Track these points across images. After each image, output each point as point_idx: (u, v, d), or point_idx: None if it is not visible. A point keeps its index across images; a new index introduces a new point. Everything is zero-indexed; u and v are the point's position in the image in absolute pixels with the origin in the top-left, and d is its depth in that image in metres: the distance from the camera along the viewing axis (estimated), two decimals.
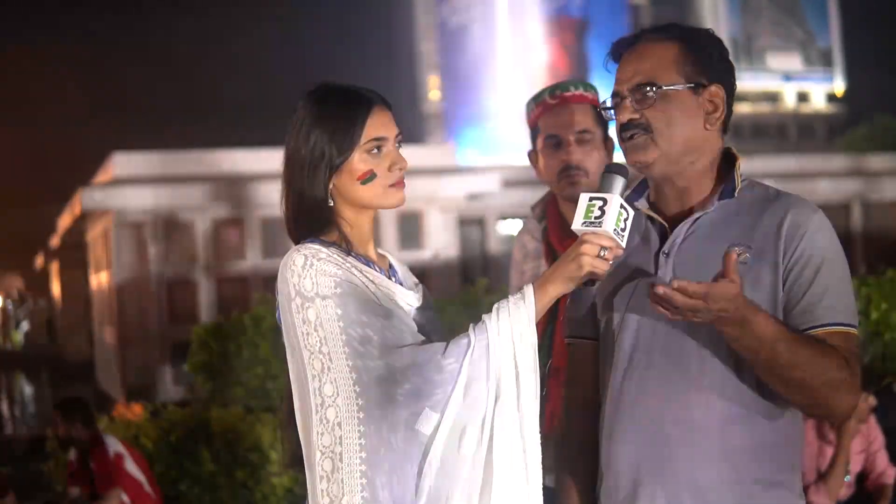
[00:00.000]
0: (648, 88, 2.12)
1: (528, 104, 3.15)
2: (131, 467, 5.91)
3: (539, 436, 2.10)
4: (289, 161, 2.22)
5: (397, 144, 2.23)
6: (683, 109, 2.13)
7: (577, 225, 2.07)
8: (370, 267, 2.21)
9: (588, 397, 2.29)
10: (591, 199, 2.07)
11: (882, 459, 5.25)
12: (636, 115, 2.14)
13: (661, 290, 1.88)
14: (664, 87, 2.12)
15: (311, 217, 2.21)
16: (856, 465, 5.17)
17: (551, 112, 3.04)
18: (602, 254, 2.05)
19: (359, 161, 2.19)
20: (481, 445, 2.08)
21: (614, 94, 2.19)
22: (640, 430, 2.12)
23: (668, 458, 2.09)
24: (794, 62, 76.53)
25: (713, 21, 71.55)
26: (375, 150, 2.19)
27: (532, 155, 3.17)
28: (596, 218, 2.06)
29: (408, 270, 2.37)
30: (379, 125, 2.20)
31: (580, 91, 3.04)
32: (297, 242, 2.21)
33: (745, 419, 2.08)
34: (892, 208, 24.23)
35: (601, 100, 2.88)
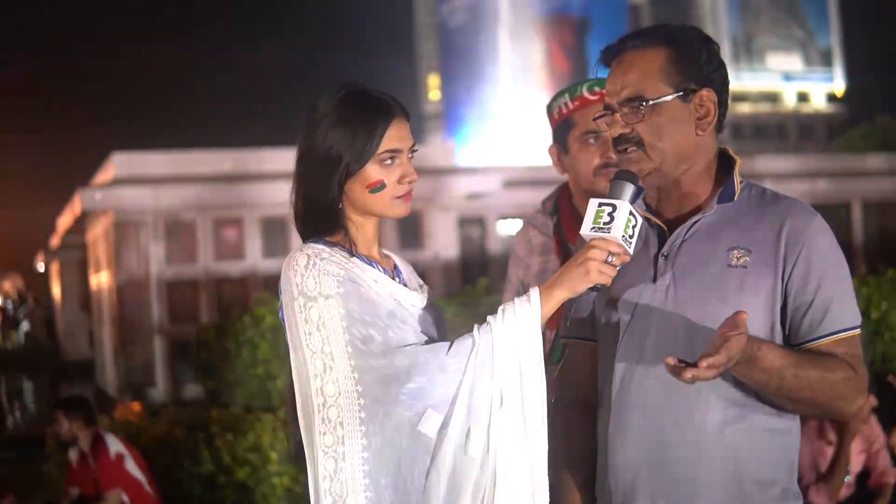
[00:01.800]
0: (637, 102, 2.11)
1: (560, 98, 3.12)
2: (132, 467, 5.90)
3: (546, 438, 2.10)
4: (303, 158, 2.22)
5: (410, 156, 2.23)
6: (674, 119, 2.12)
7: (585, 230, 2.07)
8: (374, 267, 2.21)
9: (586, 397, 2.29)
10: (600, 204, 2.07)
11: (884, 459, 5.25)
12: (627, 130, 2.13)
13: (689, 375, 1.87)
14: (652, 101, 2.11)
15: (320, 217, 2.21)
16: (856, 466, 5.16)
17: (591, 107, 2.99)
18: (610, 260, 2.05)
19: (371, 170, 2.18)
20: (486, 447, 2.07)
21: (605, 107, 2.18)
22: (640, 431, 2.12)
23: (668, 459, 2.10)
24: (794, 62, 76.52)
25: (713, 21, 71.52)
26: (389, 161, 2.19)
27: (555, 149, 3.14)
28: (605, 224, 2.05)
29: (413, 271, 2.37)
30: (396, 137, 2.19)
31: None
32: (304, 240, 2.22)
33: (744, 420, 2.09)
34: (892, 208, 24.23)
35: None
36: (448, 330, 2.32)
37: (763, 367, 1.97)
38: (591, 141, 3.01)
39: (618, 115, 2.14)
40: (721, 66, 2.18)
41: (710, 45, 2.17)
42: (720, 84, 2.17)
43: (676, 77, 2.12)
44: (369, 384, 2.08)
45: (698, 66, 2.13)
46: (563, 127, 3.10)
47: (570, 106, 3.07)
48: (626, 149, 2.14)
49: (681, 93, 2.12)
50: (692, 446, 2.08)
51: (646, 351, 2.14)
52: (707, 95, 2.14)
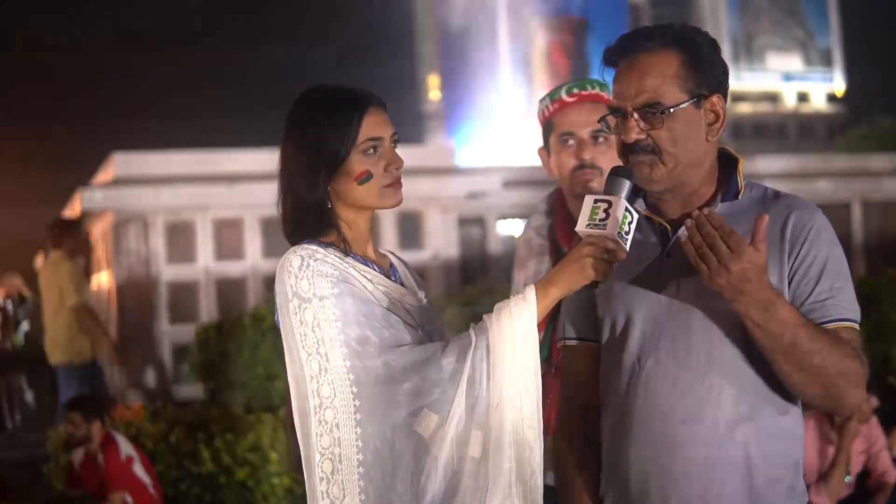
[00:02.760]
0: (655, 109, 2.10)
1: (543, 101, 3.15)
2: (139, 470, 5.88)
3: (542, 437, 2.10)
4: (285, 164, 2.22)
5: (393, 144, 2.23)
6: (688, 127, 2.12)
7: (581, 227, 2.07)
8: (369, 267, 2.20)
9: (588, 398, 2.29)
10: (596, 201, 2.07)
11: (885, 459, 5.25)
12: (642, 136, 2.12)
13: (696, 213, 1.95)
14: (672, 108, 2.10)
15: (309, 219, 2.20)
16: (856, 466, 5.17)
17: (567, 109, 3.05)
18: (606, 256, 2.05)
19: (355, 162, 2.18)
20: (483, 446, 2.07)
21: (616, 110, 2.16)
22: (649, 431, 2.12)
23: (678, 458, 2.10)
24: (794, 62, 76.44)
25: (713, 21, 71.46)
26: (371, 151, 2.19)
27: (543, 151, 3.18)
28: (601, 220, 2.05)
29: (410, 269, 2.36)
30: (374, 125, 2.19)
31: (596, 90, 3.05)
32: (293, 245, 2.21)
33: (753, 417, 2.10)
34: (892, 208, 24.21)
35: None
36: (447, 329, 2.32)
37: (780, 318, 1.98)
38: (568, 142, 3.04)
39: (631, 120, 2.13)
40: (726, 71, 2.19)
41: (716, 48, 2.18)
42: (726, 89, 2.18)
43: (690, 83, 2.12)
44: (365, 385, 2.07)
45: (710, 71, 2.14)
46: (546, 129, 3.15)
47: (551, 109, 3.11)
48: (637, 154, 2.13)
49: (695, 99, 2.11)
50: (703, 445, 2.08)
51: (651, 350, 2.14)
52: (717, 101, 2.15)
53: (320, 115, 2.19)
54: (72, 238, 8.26)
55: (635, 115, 2.12)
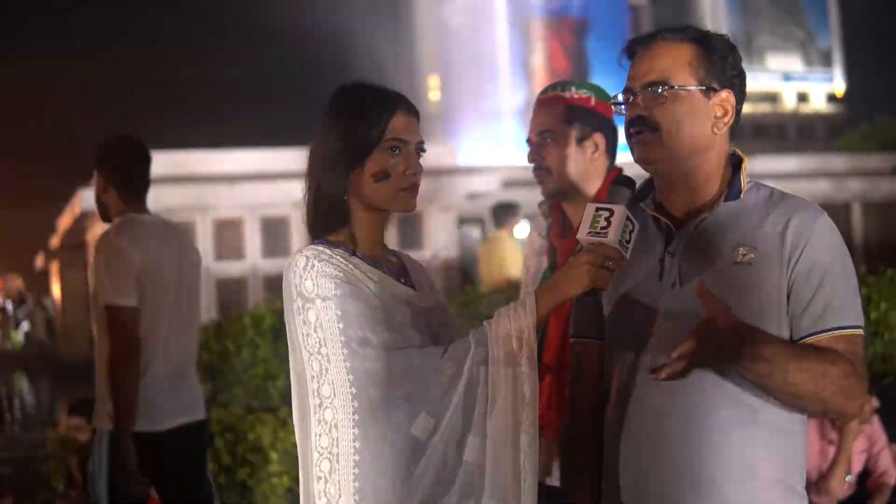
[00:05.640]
0: (660, 87, 2.13)
1: None
2: None
3: (537, 442, 2.10)
4: (312, 154, 2.24)
5: (418, 152, 2.24)
6: (693, 111, 2.15)
7: (582, 235, 2.08)
8: (375, 267, 2.21)
9: (594, 397, 2.29)
10: (597, 209, 2.08)
11: (885, 459, 5.25)
12: (645, 113, 2.15)
13: (662, 375, 1.94)
14: (676, 87, 2.13)
15: (328, 212, 2.22)
16: (857, 466, 5.17)
17: (536, 111, 3.09)
18: (606, 265, 2.05)
19: (377, 158, 2.20)
20: (478, 451, 2.08)
21: (625, 91, 2.20)
22: (646, 430, 2.12)
23: (674, 458, 2.10)
24: (794, 62, 76.46)
25: (713, 21, 71.46)
26: (396, 151, 2.20)
27: None
28: (602, 229, 2.06)
29: (423, 272, 2.37)
30: (401, 127, 2.21)
31: (557, 92, 3.08)
32: (314, 238, 2.22)
33: (750, 417, 2.09)
34: (892, 208, 24.19)
35: (592, 99, 2.93)
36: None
37: (766, 358, 1.98)
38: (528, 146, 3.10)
39: (637, 98, 2.16)
40: (742, 74, 2.23)
41: (735, 53, 2.23)
42: (739, 90, 2.21)
43: (702, 73, 2.16)
44: (364, 386, 2.08)
45: (724, 67, 2.19)
46: None
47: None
48: (640, 131, 2.15)
49: (704, 87, 2.14)
50: (698, 445, 2.08)
51: (652, 349, 2.14)
52: (727, 97, 2.18)
53: (352, 108, 2.21)
54: (512, 219, 9.81)
55: (640, 93, 2.16)
